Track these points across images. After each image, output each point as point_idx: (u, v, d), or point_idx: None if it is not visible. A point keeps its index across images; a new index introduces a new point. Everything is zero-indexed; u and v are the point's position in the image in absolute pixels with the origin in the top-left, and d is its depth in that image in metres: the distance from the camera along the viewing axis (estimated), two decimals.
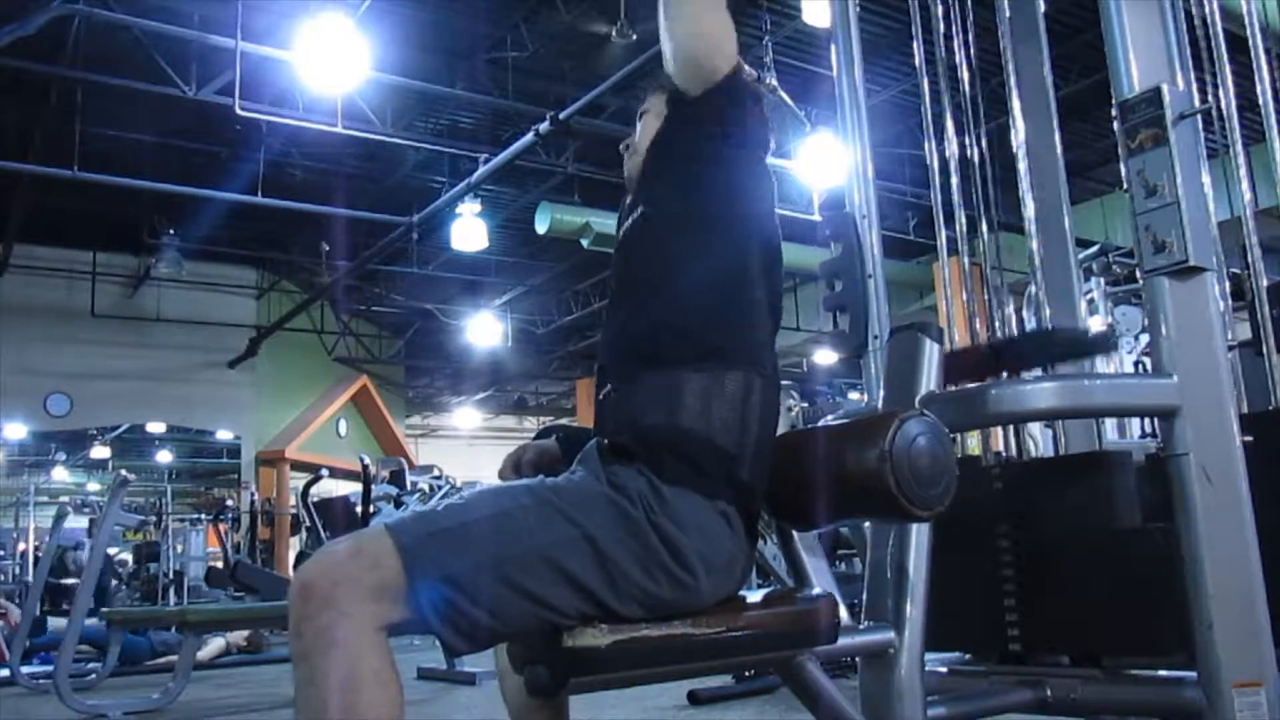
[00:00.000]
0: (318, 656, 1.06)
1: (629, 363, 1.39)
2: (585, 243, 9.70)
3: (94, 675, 5.02)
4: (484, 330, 13.59)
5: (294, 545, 11.89)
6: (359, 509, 7.08)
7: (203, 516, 11.73)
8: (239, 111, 7.00)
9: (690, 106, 1.44)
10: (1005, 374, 2.03)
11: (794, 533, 1.49)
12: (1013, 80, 2.28)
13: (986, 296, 2.37)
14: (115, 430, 14.47)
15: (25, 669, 5.19)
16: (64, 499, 12.94)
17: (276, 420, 14.03)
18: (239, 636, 6.40)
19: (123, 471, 4.82)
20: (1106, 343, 2.13)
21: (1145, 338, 5.60)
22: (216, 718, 4.19)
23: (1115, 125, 1.70)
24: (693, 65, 1.42)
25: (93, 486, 17.43)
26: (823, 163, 7.44)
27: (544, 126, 7.44)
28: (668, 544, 1.22)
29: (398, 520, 1.17)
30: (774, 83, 6.92)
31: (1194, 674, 1.55)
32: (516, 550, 1.16)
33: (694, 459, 1.28)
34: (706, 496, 1.26)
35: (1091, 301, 5.83)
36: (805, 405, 6.01)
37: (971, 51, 2.38)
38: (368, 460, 6.84)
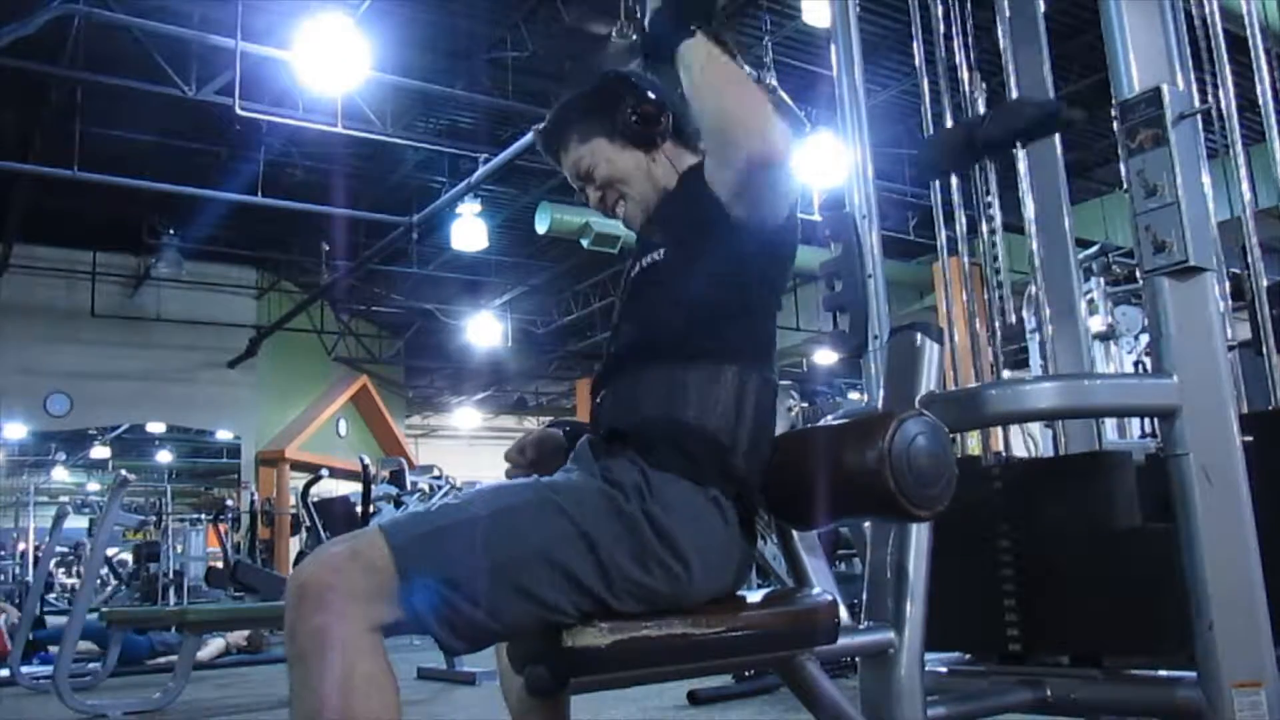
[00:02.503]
0: (312, 659, 1.05)
1: (629, 364, 1.40)
2: (585, 243, 9.71)
3: (94, 675, 5.03)
4: (484, 330, 13.59)
5: (294, 545, 11.89)
6: (359, 509, 7.08)
7: (203, 516, 11.73)
8: (239, 111, 7.00)
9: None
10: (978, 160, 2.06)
11: (794, 532, 1.49)
12: (1013, 80, 2.28)
13: (986, 296, 2.37)
14: (115, 430, 14.48)
15: (25, 669, 5.20)
16: (64, 499, 12.96)
17: (276, 420, 14.02)
18: (239, 636, 6.40)
19: (123, 471, 4.83)
20: (1070, 118, 2.13)
21: (1145, 338, 5.60)
22: (216, 718, 4.19)
23: (1115, 125, 1.70)
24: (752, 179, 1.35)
25: (93, 486, 17.44)
26: (823, 163, 7.44)
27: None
28: (660, 533, 1.22)
29: (392, 521, 1.16)
30: (774, 83, 6.92)
31: (1194, 674, 1.55)
32: (513, 549, 1.16)
33: (684, 447, 1.28)
34: (695, 483, 1.27)
35: (1091, 301, 5.83)
36: (805, 405, 6.00)
37: (971, 51, 2.38)
38: (368, 460, 6.85)
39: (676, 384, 1.33)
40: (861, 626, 1.48)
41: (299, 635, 1.06)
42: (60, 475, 17.13)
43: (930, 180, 2.31)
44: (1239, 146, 2.03)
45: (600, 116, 1.49)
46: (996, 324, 2.29)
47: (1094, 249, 6.17)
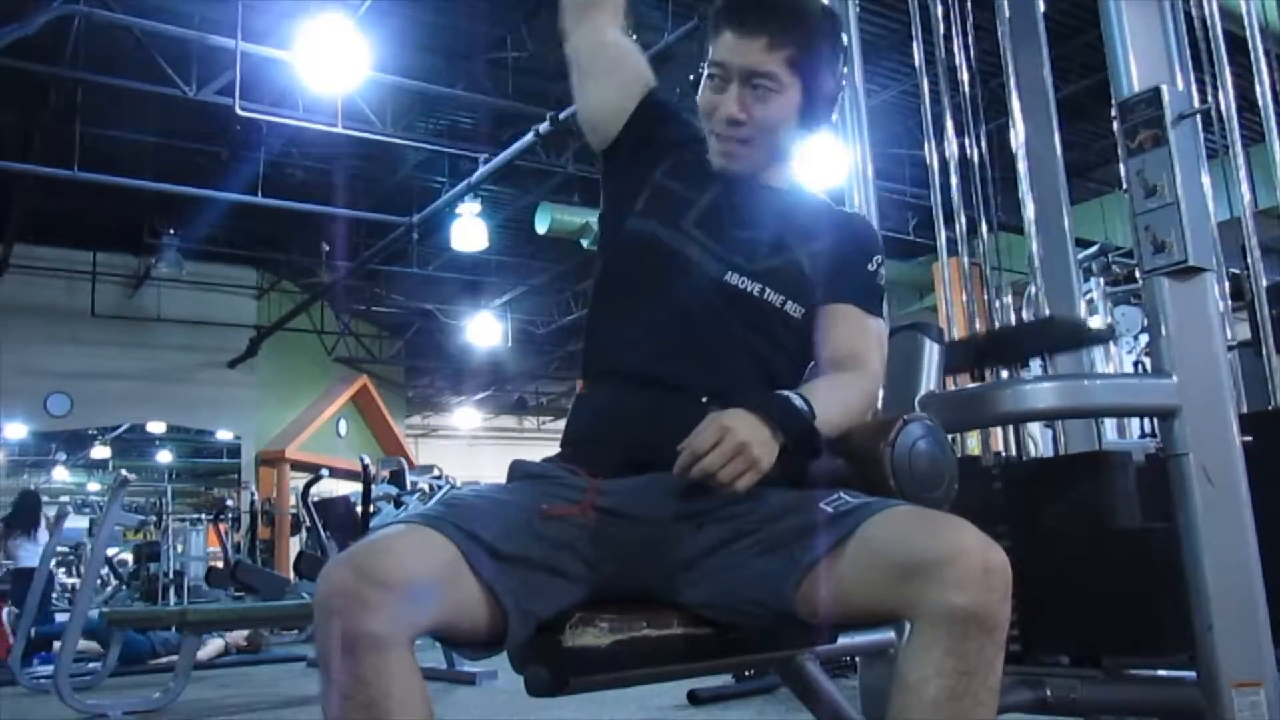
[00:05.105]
0: None
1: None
2: (585, 243, 9.69)
3: (94, 675, 5.03)
4: (484, 330, 13.58)
5: (294, 545, 11.89)
6: (359, 509, 7.08)
7: (203, 516, 11.72)
8: (239, 111, 7.00)
9: None
10: (1004, 364, 2.04)
11: None
12: (1013, 80, 2.28)
13: (986, 296, 2.37)
14: (115, 430, 14.45)
15: (25, 669, 5.20)
16: (64, 499, 12.95)
17: (276, 420, 14.02)
18: (239, 636, 6.41)
19: (123, 471, 4.83)
20: (1105, 335, 2.12)
21: (1145, 338, 5.59)
22: (216, 718, 4.19)
23: (1115, 125, 1.70)
24: None
25: (93, 486, 17.42)
26: (823, 163, 7.44)
27: (544, 127, 7.44)
28: None
29: None
30: None
31: (1194, 674, 1.55)
32: None
33: None
34: None
35: (1091, 301, 5.83)
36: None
37: (971, 52, 2.38)
38: (368, 460, 6.84)
39: None
40: None
41: None
42: (60, 475, 17.08)
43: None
44: (1239, 146, 2.03)
45: (817, 58, 1.32)
46: (996, 324, 2.29)
47: (1094, 249, 6.16)
